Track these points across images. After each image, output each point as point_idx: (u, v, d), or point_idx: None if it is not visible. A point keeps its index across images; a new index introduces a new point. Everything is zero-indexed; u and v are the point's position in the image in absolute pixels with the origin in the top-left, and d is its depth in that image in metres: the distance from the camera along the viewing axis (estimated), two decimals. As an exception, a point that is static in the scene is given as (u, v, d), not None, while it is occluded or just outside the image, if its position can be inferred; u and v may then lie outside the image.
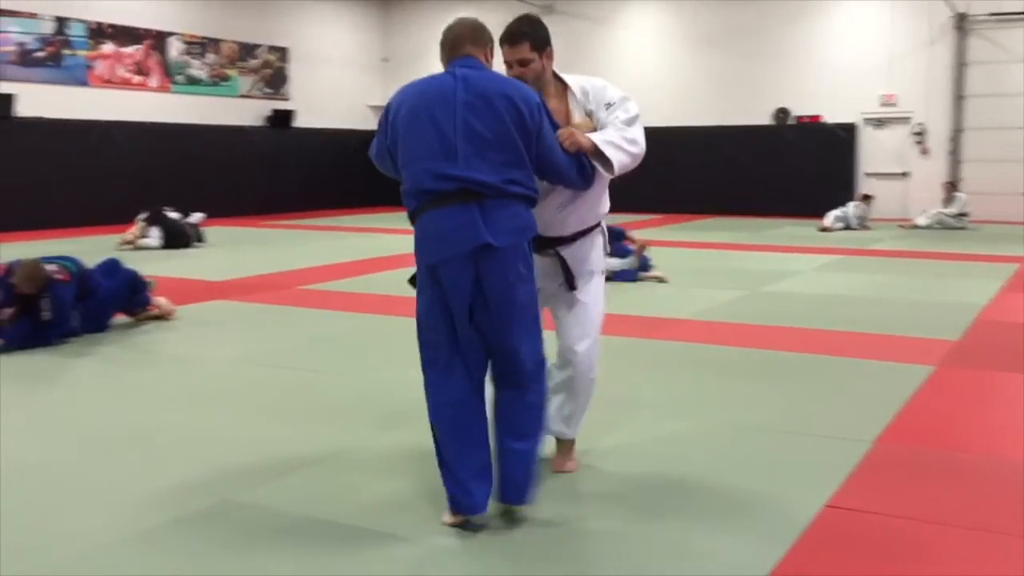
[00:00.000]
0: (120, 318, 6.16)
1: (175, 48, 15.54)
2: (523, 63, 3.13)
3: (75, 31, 13.96)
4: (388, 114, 2.99)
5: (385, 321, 6.36)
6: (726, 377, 4.86)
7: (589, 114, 3.19)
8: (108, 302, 5.97)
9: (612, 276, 8.22)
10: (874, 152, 16.06)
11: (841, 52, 15.95)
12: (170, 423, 4.01)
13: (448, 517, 2.91)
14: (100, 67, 14.35)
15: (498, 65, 3.04)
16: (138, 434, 3.86)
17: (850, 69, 15.81)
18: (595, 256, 3.31)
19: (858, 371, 4.97)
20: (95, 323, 5.89)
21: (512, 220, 2.84)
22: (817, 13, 16.16)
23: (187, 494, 3.17)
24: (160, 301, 6.35)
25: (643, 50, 17.35)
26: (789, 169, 16.24)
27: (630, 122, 3.17)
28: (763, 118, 16.60)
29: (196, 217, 11.44)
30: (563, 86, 3.24)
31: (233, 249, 10.92)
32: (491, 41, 3.06)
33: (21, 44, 13.25)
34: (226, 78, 16.45)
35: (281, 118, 17.09)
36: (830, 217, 13.76)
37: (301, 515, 2.99)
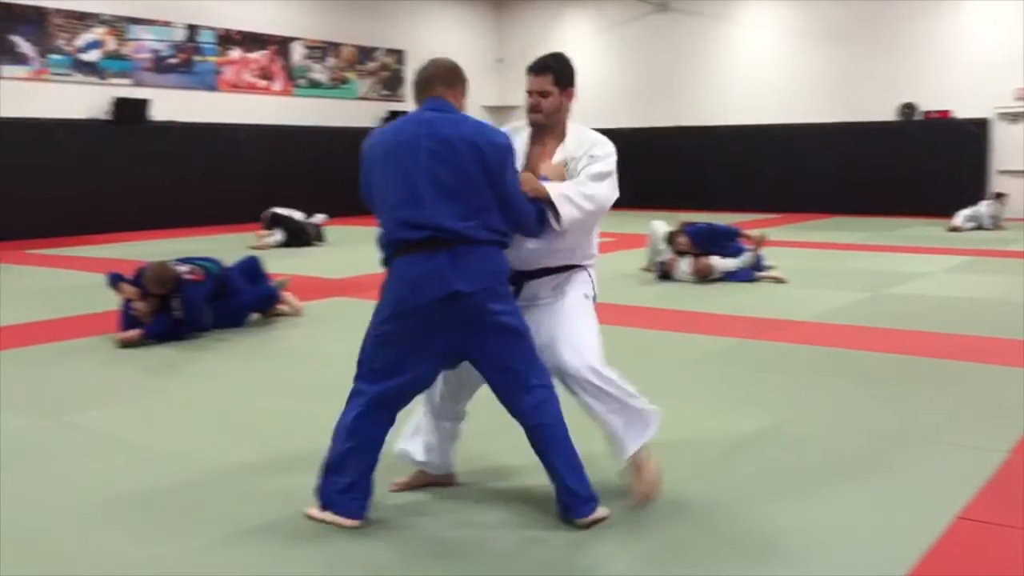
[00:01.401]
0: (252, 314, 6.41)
1: (298, 53, 16.04)
2: (543, 94, 3.12)
3: (205, 38, 14.56)
4: (364, 161, 2.98)
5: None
6: (851, 381, 4.70)
7: (569, 161, 3.12)
8: (246, 307, 6.22)
9: (726, 277, 8.08)
10: (1008, 148, 15.26)
11: (972, 45, 15.21)
12: (280, 409, 4.14)
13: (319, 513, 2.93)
14: (228, 72, 14.93)
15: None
16: (252, 419, 4.00)
17: (983, 62, 15.06)
18: (577, 283, 3.17)
19: (992, 377, 4.73)
20: (231, 321, 6.14)
21: (482, 264, 2.82)
22: (946, 4, 15.46)
23: (287, 476, 3.27)
24: (290, 298, 6.58)
25: (761, 46, 16.95)
26: (915, 166, 15.59)
27: (598, 177, 3.09)
28: (887, 114, 15.99)
29: (319, 218, 11.80)
30: (563, 133, 3.18)
31: (352, 248, 11.19)
32: (464, 82, 3.04)
33: (155, 52, 13.90)
34: (345, 81, 16.88)
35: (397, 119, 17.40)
36: (960, 216, 13.15)
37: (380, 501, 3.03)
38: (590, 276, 3.22)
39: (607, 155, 3.14)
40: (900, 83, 15.80)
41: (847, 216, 15.35)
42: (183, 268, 5.88)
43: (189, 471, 3.44)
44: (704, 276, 8.01)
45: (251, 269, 6.49)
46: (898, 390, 4.52)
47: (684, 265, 8.13)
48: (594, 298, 3.23)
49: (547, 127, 3.16)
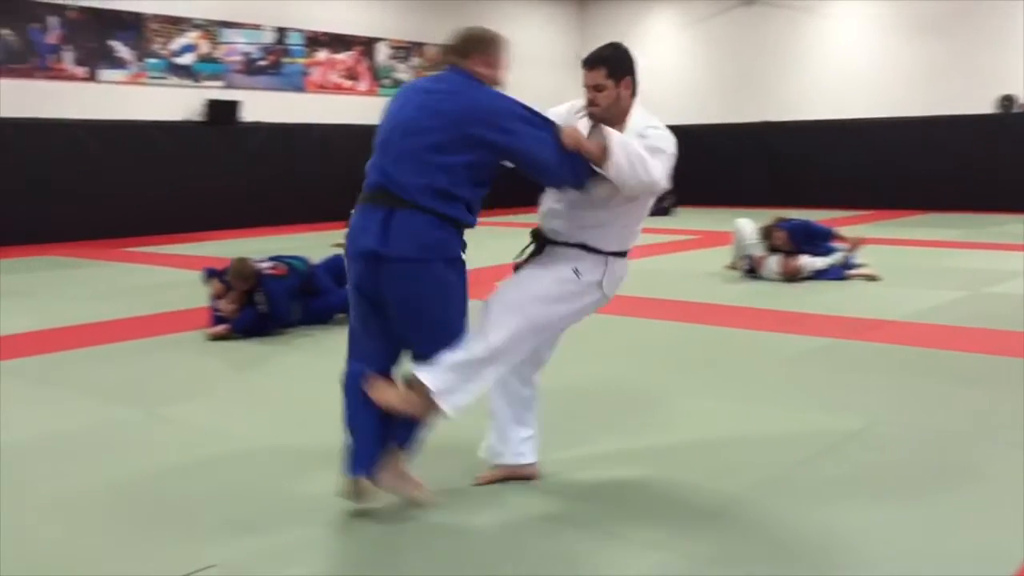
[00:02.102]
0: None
1: (382, 53, 16.25)
2: (597, 88, 3.06)
3: (293, 40, 14.87)
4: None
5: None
6: (946, 383, 4.54)
7: None
8: (333, 308, 6.32)
9: (815, 275, 7.89)
10: (1116, 141, 14.54)
11: (1079, 32, 14.53)
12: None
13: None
14: (315, 73, 15.21)
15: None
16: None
17: (1090, 50, 14.38)
18: (572, 259, 3.07)
19: (1100, 381, 4.51)
20: (317, 318, 6.26)
21: (416, 235, 2.77)
22: (1051, -10, 14.81)
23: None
24: None
25: (851, 39, 16.49)
26: (1015, 160, 14.97)
27: (654, 152, 2.96)
28: (984, 106, 15.38)
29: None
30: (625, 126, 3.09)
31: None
32: (483, 46, 3.02)
33: (246, 54, 14.25)
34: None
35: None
36: (1063, 213, 12.58)
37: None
38: (604, 264, 3.08)
39: (660, 137, 3.02)
40: (998, 74, 15.18)
41: (941, 212, 14.84)
42: (265, 264, 6.02)
43: (282, 462, 3.50)
44: (793, 276, 7.84)
45: (337, 268, 6.59)
46: (995, 393, 4.34)
47: (773, 263, 7.96)
48: (597, 284, 3.08)
49: (610, 120, 3.08)
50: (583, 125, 3.09)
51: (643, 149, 2.92)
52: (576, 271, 3.05)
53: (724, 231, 9.69)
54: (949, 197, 15.29)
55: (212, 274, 6.10)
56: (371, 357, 2.96)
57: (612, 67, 3.06)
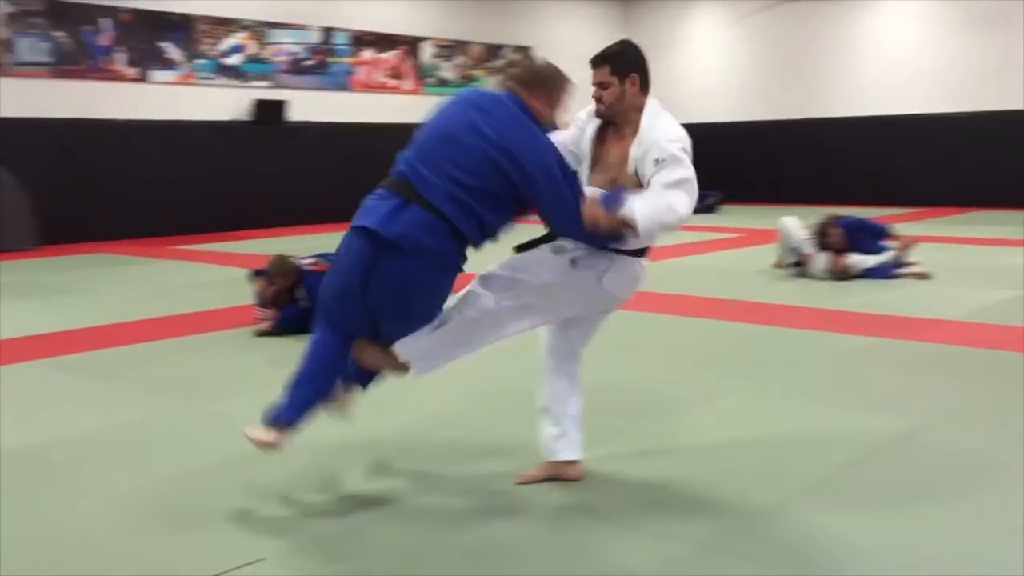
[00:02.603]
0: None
1: (427, 52, 16.32)
2: (602, 86, 3.06)
3: (339, 40, 14.99)
4: None
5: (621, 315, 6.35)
6: (1001, 385, 4.45)
7: (633, 162, 3.01)
8: None
9: (865, 273, 7.78)
10: None
11: None
12: (413, 399, 4.22)
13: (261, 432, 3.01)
14: (360, 73, 15.33)
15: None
16: (382, 405, 4.10)
17: None
18: (587, 258, 3.04)
19: None
20: None
21: (421, 232, 2.81)
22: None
23: (420, 459, 3.32)
24: None
25: (902, 33, 16.19)
26: (1074, 156, 14.60)
27: (677, 185, 2.90)
28: (1040, 101, 15.03)
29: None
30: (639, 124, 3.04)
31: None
32: (546, 90, 3.06)
33: (293, 54, 14.41)
34: (473, 79, 17.07)
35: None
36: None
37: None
38: (608, 260, 3.02)
39: (671, 158, 2.91)
40: (1056, 68, 14.83)
41: (995, 209, 14.53)
42: (307, 260, 6.11)
43: (328, 455, 3.54)
44: (842, 274, 7.73)
45: None
46: (1053, 395, 4.25)
47: (822, 261, 7.85)
48: (596, 279, 3.02)
49: (619, 118, 3.07)
50: (592, 127, 3.14)
51: (665, 192, 2.88)
52: (573, 261, 3.03)
53: (769, 229, 9.59)
54: (1003, 194, 14.96)
55: (258, 273, 6.23)
56: (342, 327, 3.02)
57: (615, 64, 3.06)
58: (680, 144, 2.97)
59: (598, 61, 3.09)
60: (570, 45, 18.66)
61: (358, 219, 2.94)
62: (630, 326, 6.00)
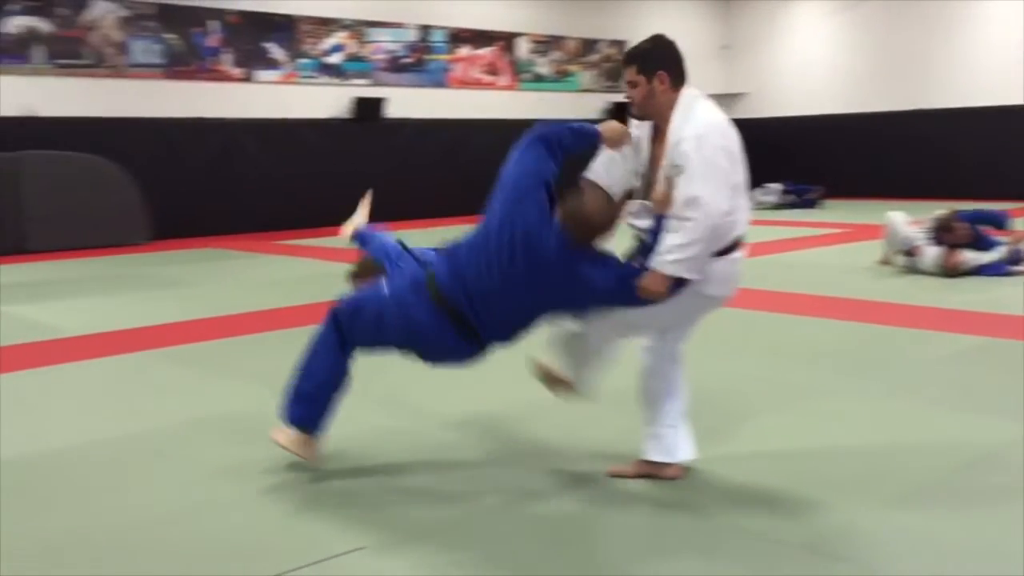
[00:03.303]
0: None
1: (523, 48, 16.37)
2: (631, 85, 3.00)
3: (436, 37, 15.16)
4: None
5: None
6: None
7: (664, 168, 2.95)
8: None
9: (976, 270, 7.48)
10: None
11: None
12: (515, 397, 4.23)
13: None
14: (457, 69, 15.47)
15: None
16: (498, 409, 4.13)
17: None
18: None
19: None
20: None
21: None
22: None
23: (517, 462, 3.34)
24: None
25: (1013, 19, 15.45)
26: None
27: (688, 205, 2.83)
28: None
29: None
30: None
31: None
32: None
33: (391, 52, 14.64)
34: (568, 74, 17.04)
35: (619, 110, 17.42)
36: None
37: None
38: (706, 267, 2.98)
39: (686, 164, 2.84)
40: None
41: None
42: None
43: (426, 447, 3.59)
44: (953, 271, 7.44)
45: None
46: None
47: (933, 256, 7.55)
48: (695, 291, 2.95)
49: (655, 117, 3.02)
50: (645, 130, 3.10)
51: (680, 227, 2.83)
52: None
53: (874, 224, 9.30)
54: None
55: (354, 275, 6.33)
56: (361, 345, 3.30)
57: (642, 62, 3.01)
58: (697, 141, 2.87)
59: (626, 60, 3.06)
60: (670, 37, 18.45)
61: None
62: (730, 324, 5.90)
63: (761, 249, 9.82)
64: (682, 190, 2.85)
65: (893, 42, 16.70)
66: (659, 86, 2.99)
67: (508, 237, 2.95)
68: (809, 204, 14.83)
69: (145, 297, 7.60)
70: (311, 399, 3.26)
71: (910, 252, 7.75)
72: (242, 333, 6.03)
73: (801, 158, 17.02)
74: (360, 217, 4.23)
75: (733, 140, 2.93)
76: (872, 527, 2.81)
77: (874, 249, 8.51)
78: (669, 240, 2.86)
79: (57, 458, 3.65)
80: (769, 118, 17.90)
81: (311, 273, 8.78)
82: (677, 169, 2.88)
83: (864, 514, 2.90)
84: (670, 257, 2.86)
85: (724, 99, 18.56)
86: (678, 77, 3.01)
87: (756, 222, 11.97)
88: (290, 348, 5.50)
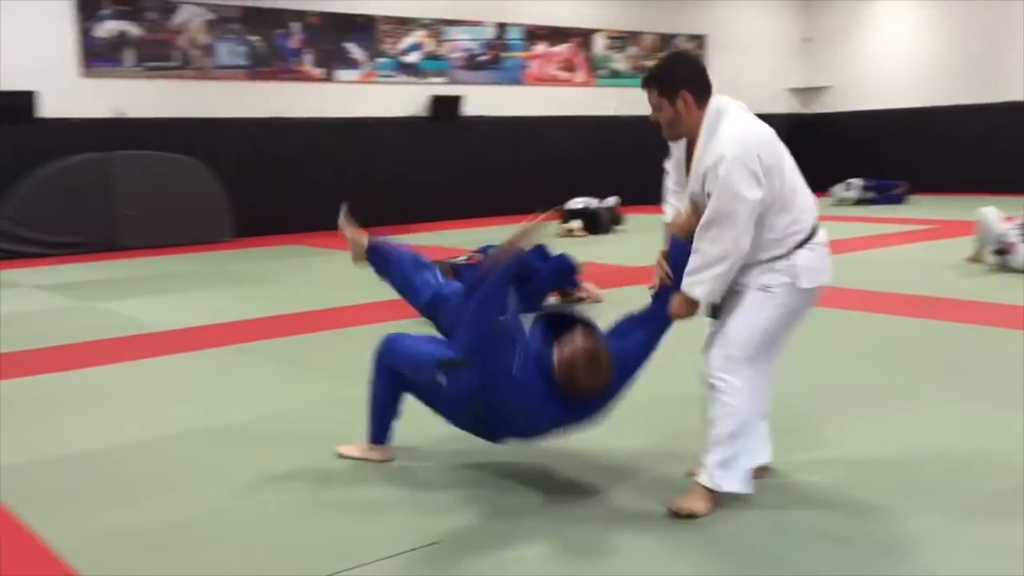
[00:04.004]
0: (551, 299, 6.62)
1: (599, 44, 16.29)
2: (656, 109, 2.91)
3: (513, 35, 15.19)
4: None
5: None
6: None
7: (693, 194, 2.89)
8: (543, 283, 6.46)
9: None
10: None
11: None
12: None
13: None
14: (533, 67, 15.48)
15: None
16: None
17: None
18: (760, 275, 2.90)
19: None
20: (530, 304, 6.39)
21: None
22: None
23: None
24: (588, 286, 6.74)
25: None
26: None
27: (705, 226, 2.82)
28: None
29: (611, 201, 11.97)
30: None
31: (649, 234, 11.21)
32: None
33: (468, 50, 14.72)
34: (645, 69, 16.87)
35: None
36: None
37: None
38: (788, 263, 2.87)
39: (714, 183, 2.78)
40: None
41: None
42: (461, 258, 6.28)
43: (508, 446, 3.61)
44: (1048, 270, 7.15)
45: (539, 248, 6.74)
46: None
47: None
48: (790, 287, 2.87)
49: (687, 136, 2.93)
50: (679, 148, 3.03)
51: (700, 245, 2.83)
52: (765, 287, 2.89)
53: (963, 220, 9.00)
54: None
55: None
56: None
57: (663, 84, 2.92)
58: (717, 166, 2.78)
59: (645, 84, 2.96)
60: (746, 33, 18.15)
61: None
62: (816, 323, 5.78)
63: (846, 246, 9.59)
64: (705, 212, 2.84)
65: (977, 33, 16.11)
66: (683, 107, 2.89)
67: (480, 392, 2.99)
68: (896, 200, 14.43)
69: (230, 294, 7.80)
70: (374, 416, 3.44)
71: (1002, 250, 7.48)
72: (324, 328, 6.14)
73: (884, 152, 16.58)
74: (357, 233, 3.91)
75: (761, 154, 2.80)
76: (961, 533, 2.72)
77: (962, 246, 8.24)
78: (692, 262, 2.87)
79: (137, 451, 3.77)
80: (851, 112, 17.47)
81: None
82: (699, 195, 2.86)
83: (955, 519, 2.82)
84: (694, 279, 2.86)
85: (805, 93, 18.19)
86: (703, 93, 2.91)
87: (840, 218, 11.83)
88: (370, 343, 5.60)
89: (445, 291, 3.42)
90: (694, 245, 2.87)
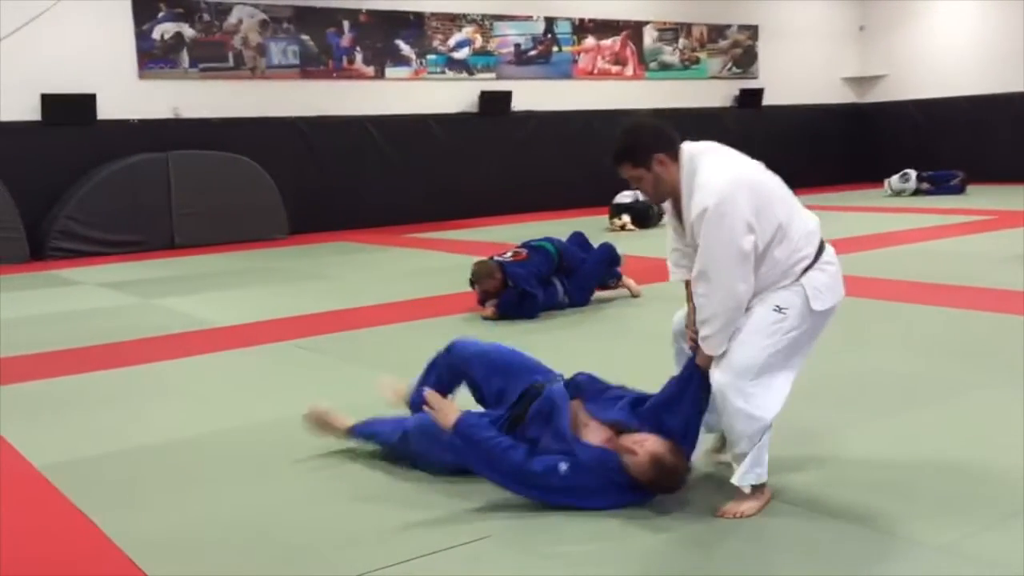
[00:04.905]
0: (597, 294, 6.61)
1: (649, 36, 16.18)
2: (635, 181, 2.89)
3: (562, 29, 15.16)
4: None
5: (863, 303, 6.03)
6: None
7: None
8: (590, 275, 6.46)
9: None
10: None
11: None
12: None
13: None
14: (583, 60, 15.43)
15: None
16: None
17: None
18: (772, 295, 2.84)
19: None
20: (580, 296, 6.42)
21: None
22: None
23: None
24: (627, 280, 6.72)
25: None
26: None
27: (697, 279, 2.82)
28: None
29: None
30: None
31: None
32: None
33: (517, 45, 14.73)
34: (696, 61, 16.75)
35: (750, 97, 17.00)
36: None
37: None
38: (802, 290, 2.83)
39: (700, 237, 2.76)
40: None
41: None
42: (507, 254, 6.31)
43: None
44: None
45: (580, 239, 6.75)
46: None
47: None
48: (805, 309, 2.82)
49: (673, 196, 2.92)
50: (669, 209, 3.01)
51: (699, 301, 2.81)
52: (778, 308, 2.83)
53: (1022, 211, 8.78)
54: None
55: (472, 283, 6.42)
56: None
57: (634, 159, 2.90)
58: (699, 216, 2.76)
59: (616, 161, 2.94)
60: (799, 22, 17.87)
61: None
62: (871, 314, 5.70)
63: (902, 238, 9.43)
64: (694, 266, 2.84)
65: (1043, 17, 15.66)
66: (661, 168, 2.88)
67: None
68: (957, 190, 14.13)
69: (285, 290, 7.92)
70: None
71: None
72: (378, 324, 6.20)
73: (942, 142, 16.22)
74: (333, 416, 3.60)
75: (746, 196, 2.76)
76: (1016, 530, 2.67)
77: (1023, 237, 8.05)
78: (697, 317, 2.86)
79: (203, 444, 3.85)
80: (908, 101, 17.12)
81: (440, 265, 8.95)
82: (697, 245, 2.83)
83: (1011, 515, 2.76)
84: (701, 335, 2.85)
85: (860, 82, 17.87)
86: (672, 147, 2.90)
87: (896, 210, 11.65)
88: (422, 338, 5.65)
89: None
90: (697, 307, 2.86)
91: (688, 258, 2.97)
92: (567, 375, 3.33)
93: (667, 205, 3.05)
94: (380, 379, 3.76)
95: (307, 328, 6.12)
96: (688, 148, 2.91)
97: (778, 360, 2.83)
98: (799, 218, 2.90)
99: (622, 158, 2.93)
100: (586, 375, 3.28)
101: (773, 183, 2.91)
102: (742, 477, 2.86)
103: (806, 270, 2.86)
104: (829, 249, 2.95)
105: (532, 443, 2.98)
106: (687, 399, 2.97)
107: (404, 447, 3.34)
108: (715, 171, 2.81)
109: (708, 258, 2.77)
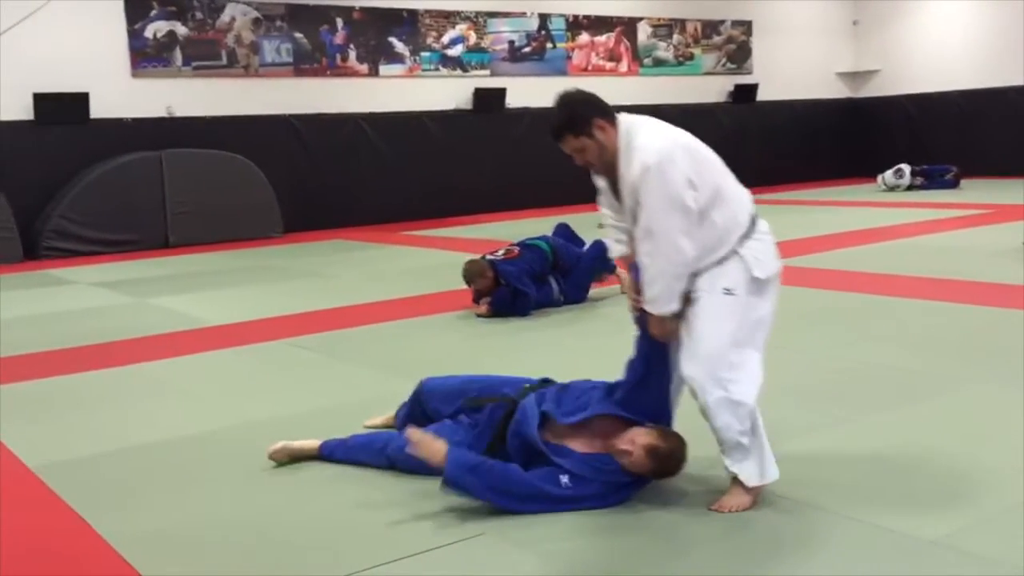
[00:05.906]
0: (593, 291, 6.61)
1: (643, 32, 16.17)
2: (580, 152, 2.86)
3: (556, 25, 15.15)
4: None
5: (858, 299, 6.03)
6: None
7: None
8: (586, 272, 6.47)
9: None
10: None
11: None
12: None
13: None
14: (577, 57, 15.42)
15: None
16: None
17: None
18: (717, 277, 2.83)
19: None
20: (576, 294, 6.42)
21: None
22: None
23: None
24: (622, 274, 6.71)
25: None
26: None
27: (641, 239, 2.79)
28: None
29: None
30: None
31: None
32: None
33: (511, 42, 14.71)
34: (690, 57, 16.74)
35: (744, 92, 17.00)
36: None
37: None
38: (741, 260, 2.83)
39: (642, 196, 2.76)
40: None
41: None
42: (499, 252, 6.32)
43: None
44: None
45: (566, 231, 6.76)
46: None
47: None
48: (750, 282, 2.82)
49: (610, 165, 2.89)
50: (604, 181, 3.00)
51: (644, 261, 2.81)
52: (726, 290, 2.83)
53: (1017, 204, 8.79)
54: None
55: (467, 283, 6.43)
56: None
57: (575, 128, 2.87)
58: (642, 175, 2.76)
59: (557, 135, 2.91)
60: (793, 17, 17.88)
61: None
62: (866, 309, 5.71)
63: (897, 232, 9.44)
64: (638, 227, 2.82)
65: (1039, 10, 15.67)
66: (602, 134, 2.87)
67: None
68: (950, 185, 14.14)
69: (279, 288, 7.90)
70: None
71: None
72: (373, 322, 6.19)
73: (935, 137, 16.24)
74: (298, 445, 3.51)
75: (683, 154, 2.79)
76: (1008, 523, 2.67)
77: (1018, 231, 8.05)
78: (643, 280, 2.85)
79: (196, 443, 3.84)
80: (901, 95, 17.13)
81: (434, 263, 8.94)
82: (639, 207, 2.80)
83: (1003, 510, 2.76)
84: (648, 297, 2.84)
85: (854, 77, 17.87)
86: (609, 114, 2.89)
87: (891, 204, 11.66)
88: (417, 336, 5.65)
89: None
90: (638, 261, 2.86)
91: (627, 233, 2.97)
92: (539, 377, 3.35)
93: (601, 184, 3.04)
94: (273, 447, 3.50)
95: (302, 327, 6.11)
96: (624, 118, 2.93)
97: (743, 339, 2.83)
98: (733, 186, 2.93)
99: (564, 130, 2.89)
100: (546, 389, 3.20)
101: (708, 151, 2.93)
102: (748, 474, 2.86)
103: (743, 239, 2.86)
104: (762, 222, 2.96)
105: (521, 461, 2.98)
106: (654, 376, 2.97)
107: (392, 467, 3.32)
108: (652, 135, 2.84)
109: (651, 214, 2.76)
